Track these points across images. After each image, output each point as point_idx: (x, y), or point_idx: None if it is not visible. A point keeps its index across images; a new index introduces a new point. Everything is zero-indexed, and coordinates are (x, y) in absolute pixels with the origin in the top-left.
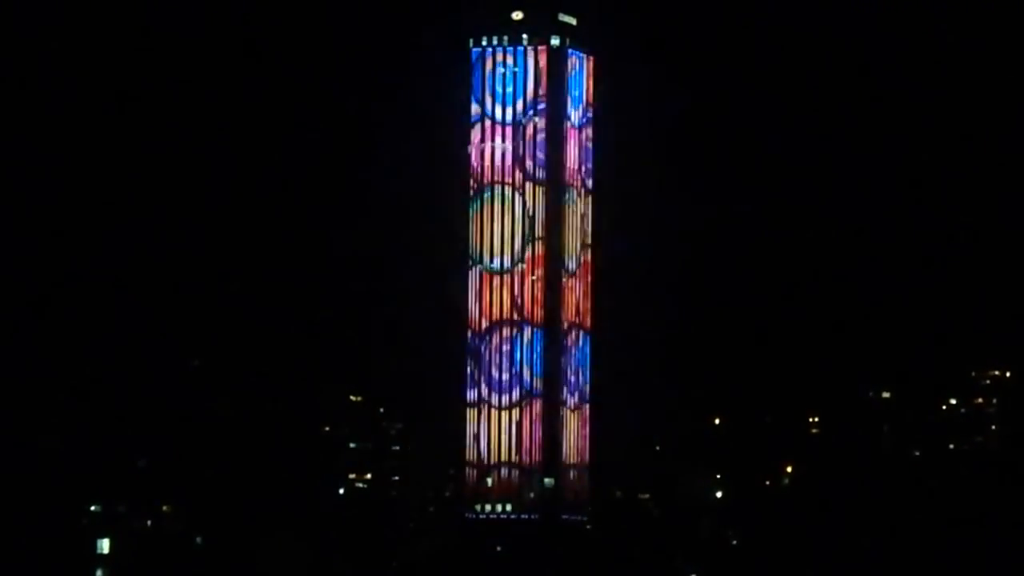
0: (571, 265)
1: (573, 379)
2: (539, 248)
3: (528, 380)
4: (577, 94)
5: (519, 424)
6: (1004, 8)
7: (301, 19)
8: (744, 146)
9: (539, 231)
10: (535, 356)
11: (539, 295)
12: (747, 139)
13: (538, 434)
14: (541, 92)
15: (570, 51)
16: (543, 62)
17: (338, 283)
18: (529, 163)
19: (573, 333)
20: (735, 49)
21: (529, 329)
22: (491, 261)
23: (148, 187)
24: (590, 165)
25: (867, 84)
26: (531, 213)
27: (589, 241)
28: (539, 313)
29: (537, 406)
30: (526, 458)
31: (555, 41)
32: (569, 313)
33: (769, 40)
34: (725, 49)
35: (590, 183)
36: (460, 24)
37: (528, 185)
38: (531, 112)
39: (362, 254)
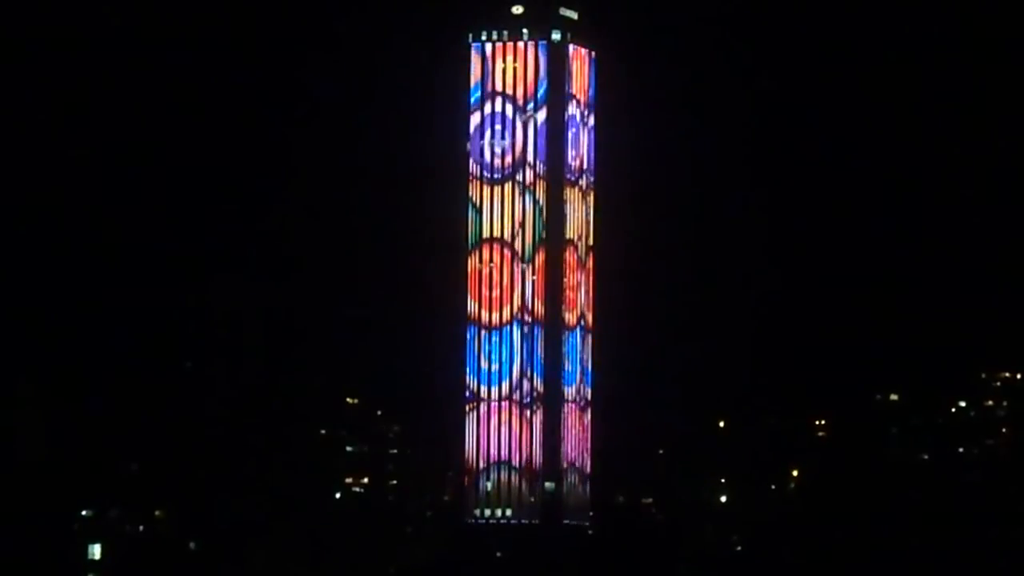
0: (572, 263)
1: (574, 380)
2: (539, 245)
3: (519, 380)
4: (578, 90)
5: (519, 426)
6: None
7: (298, 12)
8: (748, 144)
9: (539, 228)
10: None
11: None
12: (751, 136)
13: (539, 437)
14: (541, 88)
15: (571, 46)
16: (544, 57)
17: (335, 283)
18: (530, 159)
19: (573, 332)
20: (737, 44)
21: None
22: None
23: (141, 186)
24: (591, 161)
25: (875, 82)
26: (532, 207)
27: (591, 239)
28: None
29: (538, 407)
30: (526, 461)
31: (556, 36)
32: (570, 312)
33: (772, 35)
34: (727, 44)
35: (591, 179)
36: (459, 19)
37: (530, 180)
38: (531, 108)
39: (360, 253)
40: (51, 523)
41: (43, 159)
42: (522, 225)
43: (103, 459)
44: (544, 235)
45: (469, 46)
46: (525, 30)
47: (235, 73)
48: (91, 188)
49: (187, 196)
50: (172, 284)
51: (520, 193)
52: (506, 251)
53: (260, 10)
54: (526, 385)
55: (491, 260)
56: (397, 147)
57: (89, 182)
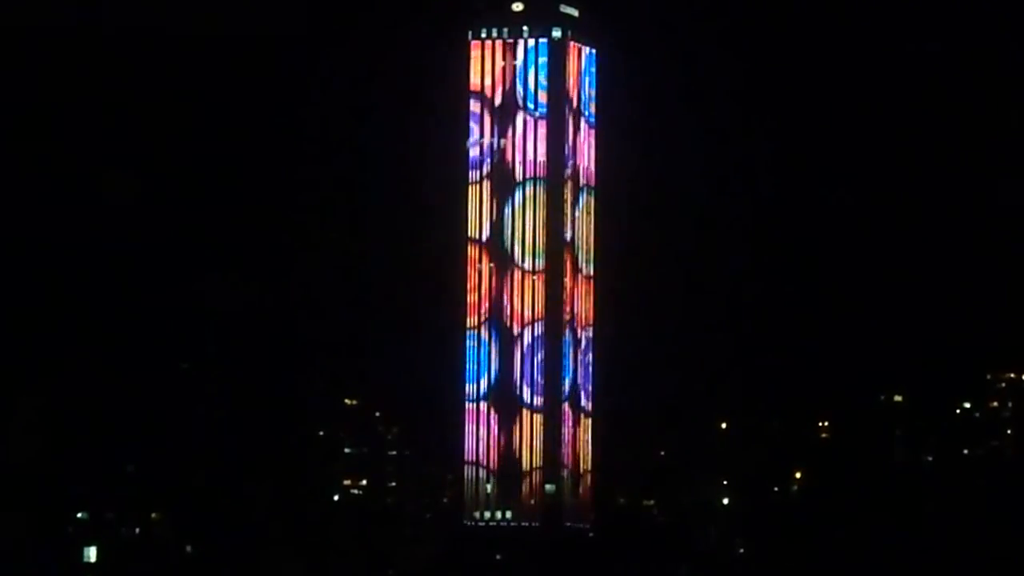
0: (571, 264)
1: (575, 383)
2: (540, 247)
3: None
4: (579, 87)
5: (519, 429)
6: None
7: (297, 8)
8: (750, 143)
9: (539, 229)
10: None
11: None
12: (753, 136)
13: (539, 439)
14: (542, 85)
15: (572, 44)
16: (544, 55)
17: (333, 284)
18: (530, 158)
19: (575, 335)
20: (739, 41)
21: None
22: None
23: (137, 187)
24: (591, 160)
25: (880, 79)
26: (532, 207)
27: (590, 239)
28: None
29: (537, 411)
30: (527, 464)
31: (556, 33)
32: (571, 315)
33: (774, 32)
34: (729, 41)
35: (592, 179)
36: (460, 15)
37: (530, 180)
38: (531, 106)
39: (359, 254)
40: (47, 526)
41: (42, 159)
42: (523, 225)
43: (99, 461)
44: (544, 235)
45: (469, 43)
46: (526, 27)
47: (233, 71)
48: (90, 188)
49: (185, 196)
50: (169, 285)
51: (520, 193)
52: (504, 251)
53: (259, 8)
54: (517, 387)
55: (491, 261)
56: (396, 146)
57: (88, 182)
